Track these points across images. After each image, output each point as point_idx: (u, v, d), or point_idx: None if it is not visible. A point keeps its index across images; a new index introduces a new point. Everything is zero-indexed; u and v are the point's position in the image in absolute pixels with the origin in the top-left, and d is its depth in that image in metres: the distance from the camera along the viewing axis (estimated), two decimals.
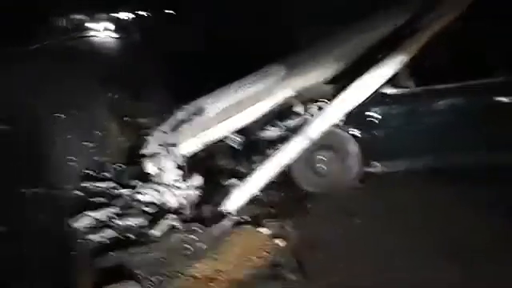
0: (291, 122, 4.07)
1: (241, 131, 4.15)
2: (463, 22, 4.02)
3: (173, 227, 3.40)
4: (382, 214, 3.61)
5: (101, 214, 3.64)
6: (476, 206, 3.60)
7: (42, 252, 3.19)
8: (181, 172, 3.82)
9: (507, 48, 4.01)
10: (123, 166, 4.77)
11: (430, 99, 4.12)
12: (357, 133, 4.05)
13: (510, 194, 3.71)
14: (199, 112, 4.03)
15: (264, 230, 3.32)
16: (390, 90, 4.04)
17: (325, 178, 4.09)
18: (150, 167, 3.82)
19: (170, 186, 3.77)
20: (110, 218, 3.59)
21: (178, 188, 3.76)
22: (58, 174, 4.67)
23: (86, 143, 5.64)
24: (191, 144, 3.94)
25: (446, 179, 4.00)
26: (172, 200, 3.73)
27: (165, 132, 3.92)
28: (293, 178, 4.07)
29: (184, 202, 3.67)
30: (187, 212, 3.59)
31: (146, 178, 3.91)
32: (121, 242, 3.31)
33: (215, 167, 4.56)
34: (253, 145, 4.13)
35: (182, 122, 3.99)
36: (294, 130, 3.95)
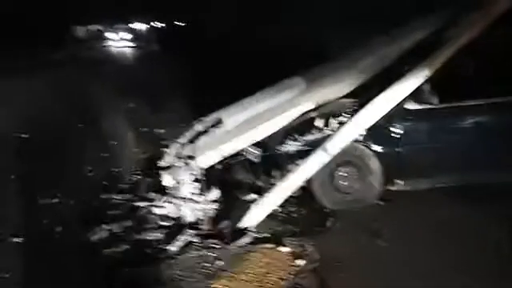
0: (311, 137, 3.98)
1: (260, 145, 4.07)
2: (489, 37, 3.90)
3: (190, 243, 3.32)
4: (405, 233, 3.49)
5: (116, 227, 3.59)
6: (498, 223, 3.48)
7: (58, 264, 3.16)
8: (198, 185, 3.74)
9: None
10: (140, 178, 4.75)
11: (454, 116, 4.00)
12: (379, 149, 3.94)
13: None
14: (218, 124, 3.97)
15: (284, 249, 3.21)
16: (413, 106, 3.93)
17: (346, 195, 3.98)
18: (167, 180, 3.75)
19: (188, 199, 3.70)
20: (126, 232, 3.54)
21: (196, 202, 3.68)
22: (75, 184, 4.68)
23: (103, 153, 5.66)
24: (209, 157, 3.87)
25: (470, 198, 3.87)
26: (189, 214, 3.66)
27: (183, 144, 3.85)
28: (313, 194, 3.96)
29: (201, 216, 3.57)
30: (205, 227, 3.50)
31: (162, 190, 3.84)
32: (136, 257, 3.25)
33: (233, 181, 4.49)
34: (272, 159, 4.05)
35: (201, 134, 3.93)
36: (314, 145, 3.85)
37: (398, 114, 3.89)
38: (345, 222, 3.74)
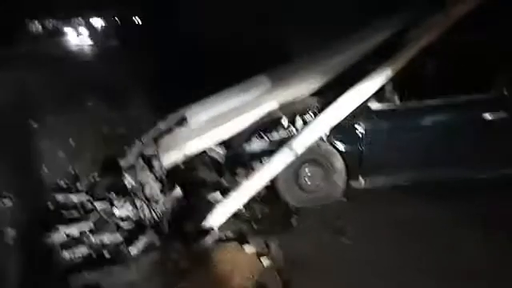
0: (276, 135, 3.95)
1: (225, 143, 4.01)
2: (450, 37, 4.01)
3: (151, 244, 3.21)
4: (369, 231, 3.53)
5: (73, 230, 3.44)
6: (461, 220, 3.58)
7: (13, 267, 2.99)
8: (160, 185, 3.63)
9: (495, 64, 4.02)
10: (99, 178, 4.57)
11: (415, 115, 4.08)
12: (343, 147, 3.97)
13: (494, 207, 3.73)
14: (182, 123, 3.87)
15: (248, 248, 3.17)
16: (375, 105, 3.98)
17: (310, 193, 3.98)
18: (127, 179, 3.62)
19: (149, 199, 3.58)
20: (84, 234, 3.40)
21: (157, 202, 3.57)
22: (29, 184, 4.45)
23: (60, 153, 5.43)
24: (172, 156, 3.77)
25: (431, 194, 3.99)
26: (151, 215, 3.54)
27: (145, 143, 3.73)
28: (278, 193, 3.94)
29: (164, 216, 3.47)
30: (166, 228, 3.39)
31: (122, 190, 3.70)
32: (95, 261, 3.12)
33: (197, 181, 4.40)
34: (237, 158, 3.99)
35: (164, 132, 3.81)
36: (279, 144, 3.83)
37: (361, 113, 3.92)
38: (309, 220, 3.74)
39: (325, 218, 3.75)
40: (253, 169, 3.82)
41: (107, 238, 3.34)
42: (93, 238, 3.34)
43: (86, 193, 4.15)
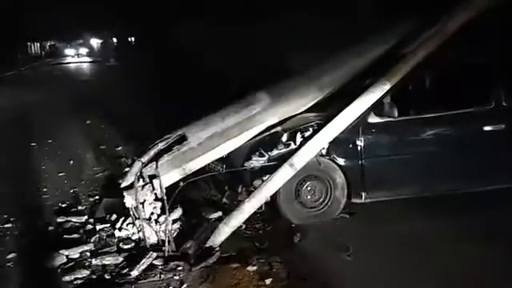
0: (276, 152, 3.94)
1: (225, 161, 4.00)
2: (448, 51, 4.04)
3: (153, 266, 3.18)
4: (370, 246, 3.48)
5: (74, 252, 3.41)
6: (463, 234, 3.55)
7: None
8: (161, 205, 3.61)
9: (494, 77, 4.04)
10: (98, 199, 4.56)
11: (414, 128, 4.09)
12: (342, 162, 3.96)
13: (495, 220, 3.70)
14: (181, 141, 3.86)
15: (250, 268, 3.14)
16: (374, 119, 3.98)
17: (311, 209, 3.96)
18: (128, 200, 3.59)
19: (149, 220, 3.56)
20: (85, 257, 3.36)
21: (158, 222, 3.54)
22: (30, 207, 4.45)
23: (60, 174, 5.43)
24: (172, 175, 3.75)
25: (432, 208, 3.97)
26: (151, 235, 3.52)
27: (144, 162, 3.71)
28: (279, 210, 3.92)
29: (164, 237, 3.44)
30: (168, 248, 3.36)
31: (123, 211, 3.67)
32: (95, 283, 3.08)
33: (198, 199, 4.39)
34: (237, 175, 3.97)
35: (163, 151, 3.80)
36: (280, 160, 3.82)
37: (360, 127, 3.92)
38: (310, 236, 3.70)
39: (326, 235, 3.72)
40: (253, 186, 3.80)
41: (108, 260, 3.30)
42: (93, 260, 3.31)
43: (87, 214, 4.14)
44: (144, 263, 3.16)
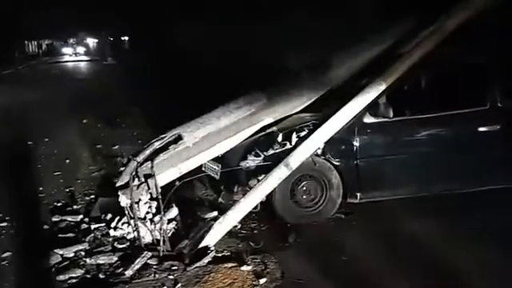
0: (272, 152, 3.94)
1: (220, 161, 3.99)
2: (444, 52, 4.05)
3: (147, 265, 3.17)
4: (366, 246, 3.49)
5: (69, 252, 3.40)
6: (459, 234, 3.57)
7: None
8: (156, 204, 3.60)
9: (489, 77, 4.05)
10: (94, 198, 4.55)
11: (410, 128, 4.10)
12: (338, 162, 3.96)
13: (491, 221, 3.70)
14: (177, 140, 3.86)
15: (245, 268, 3.14)
16: (370, 119, 3.99)
17: (307, 209, 3.96)
18: (123, 199, 3.59)
19: (145, 219, 3.55)
20: (79, 256, 3.36)
21: (153, 222, 3.54)
22: (26, 206, 4.44)
23: (56, 173, 5.42)
24: (168, 175, 3.74)
25: (427, 208, 3.98)
26: (146, 235, 3.51)
27: (140, 162, 3.71)
28: (274, 210, 3.92)
29: (159, 236, 3.44)
30: (163, 248, 3.36)
31: (118, 211, 3.67)
32: (90, 282, 3.07)
33: (193, 199, 4.39)
34: (233, 175, 3.97)
35: (159, 151, 3.80)
36: (275, 160, 3.82)
37: (355, 127, 3.93)
38: (306, 236, 3.71)
39: (321, 235, 3.73)
40: (249, 186, 3.80)
41: (103, 259, 3.29)
42: (88, 259, 3.30)
43: (82, 213, 4.14)
44: (138, 263, 3.16)
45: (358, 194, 4.01)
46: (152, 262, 3.20)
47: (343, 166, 3.96)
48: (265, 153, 3.93)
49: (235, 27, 11.63)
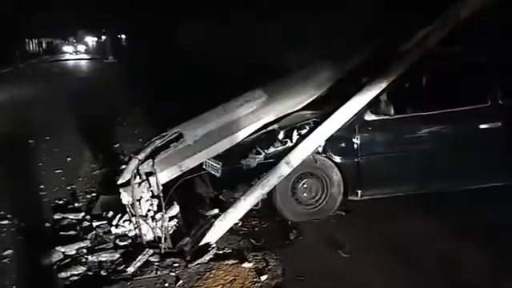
0: (273, 149, 3.94)
1: (221, 158, 4.00)
2: (445, 50, 4.05)
3: (149, 263, 3.19)
4: (366, 243, 3.49)
5: (71, 249, 3.41)
6: (460, 232, 3.56)
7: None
8: (157, 202, 3.61)
9: (490, 75, 4.05)
10: (95, 196, 4.57)
11: (410, 126, 4.09)
12: (339, 160, 3.97)
13: (493, 218, 3.71)
14: (178, 139, 3.86)
15: (247, 265, 3.15)
16: (371, 117, 3.99)
17: (308, 206, 3.97)
18: (124, 197, 3.60)
19: (146, 217, 3.56)
20: (81, 253, 3.37)
21: (155, 219, 3.55)
22: (27, 204, 4.46)
23: (57, 171, 5.43)
24: (169, 172, 3.76)
25: (428, 206, 3.98)
26: (148, 232, 3.52)
27: (141, 160, 3.72)
28: (275, 207, 3.93)
29: (161, 234, 3.45)
30: (164, 245, 3.37)
31: (120, 208, 3.68)
32: (92, 279, 3.09)
33: (194, 196, 4.40)
34: (234, 172, 3.98)
35: (160, 149, 3.80)
36: (276, 157, 3.82)
37: (356, 125, 3.93)
38: (307, 234, 3.71)
39: (322, 232, 3.74)
40: (250, 183, 3.81)
41: (105, 256, 3.31)
42: (90, 257, 3.32)
43: (84, 211, 4.15)
44: (140, 260, 3.17)
45: (359, 192, 4.01)
46: (153, 259, 3.22)
47: (344, 163, 3.96)
48: (266, 150, 3.93)
49: (235, 27, 11.65)
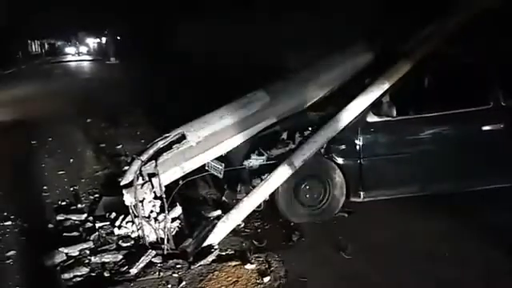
0: (275, 151, 3.94)
1: (224, 160, 4.00)
2: (447, 51, 4.05)
3: (151, 264, 3.19)
4: (369, 245, 3.50)
5: (74, 250, 3.42)
6: (462, 233, 3.57)
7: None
8: (160, 203, 3.62)
9: (492, 76, 4.04)
10: (98, 197, 4.57)
11: (413, 127, 4.09)
12: (341, 161, 3.97)
13: (495, 220, 3.71)
14: (181, 140, 3.87)
15: (249, 266, 3.15)
16: (373, 118, 3.99)
17: (310, 208, 3.97)
18: (127, 198, 3.61)
19: (149, 218, 3.57)
20: (84, 255, 3.38)
21: (157, 220, 3.56)
22: (30, 205, 4.47)
23: (60, 172, 5.44)
24: (172, 173, 3.76)
25: (431, 207, 3.98)
26: (151, 233, 3.53)
27: (144, 161, 3.72)
28: (278, 208, 3.93)
29: (163, 235, 3.46)
30: (167, 246, 3.38)
31: (122, 209, 3.69)
32: (95, 281, 3.09)
33: (197, 197, 4.41)
34: (236, 174, 3.98)
35: (163, 150, 3.81)
36: (278, 159, 3.83)
37: (359, 126, 3.93)
38: (309, 235, 3.71)
39: (325, 233, 3.74)
40: (252, 185, 3.81)
41: (108, 258, 3.31)
42: (93, 258, 3.32)
43: (86, 212, 4.15)
44: (143, 261, 3.18)
45: (362, 193, 4.01)
46: (156, 260, 3.23)
47: (346, 165, 3.96)
48: (268, 152, 3.93)
49: (235, 27, 11.65)
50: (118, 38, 30.97)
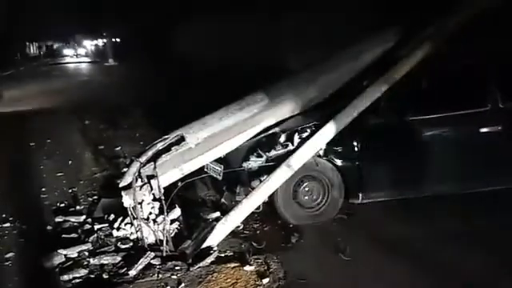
0: (274, 152, 3.95)
1: (223, 161, 4.01)
2: (446, 52, 4.06)
3: (150, 265, 3.19)
4: (367, 247, 3.50)
5: (73, 252, 3.42)
6: (460, 236, 3.56)
7: None
8: (159, 205, 3.62)
9: (490, 78, 4.06)
10: (97, 199, 4.57)
11: (412, 129, 4.10)
12: (340, 163, 3.97)
13: (494, 222, 3.71)
14: (179, 142, 3.87)
15: (248, 268, 3.15)
16: (372, 120, 4.00)
17: (309, 209, 3.97)
18: (126, 200, 3.61)
19: (148, 220, 3.57)
20: (83, 256, 3.38)
21: (156, 222, 3.55)
22: (29, 207, 4.46)
23: (58, 173, 5.44)
24: (171, 175, 3.76)
25: (429, 209, 3.99)
26: (149, 235, 3.53)
27: (143, 163, 3.72)
28: (276, 210, 3.93)
29: (162, 237, 3.46)
30: (166, 248, 3.38)
31: (121, 211, 3.68)
32: (93, 282, 3.09)
33: (196, 200, 4.41)
34: (235, 175, 3.99)
35: (162, 152, 3.81)
36: (277, 161, 3.83)
37: (357, 128, 3.94)
38: (308, 237, 3.72)
39: (323, 235, 3.74)
40: (251, 186, 3.81)
41: (106, 259, 3.31)
42: (91, 260, 3.32)
43: (85, 214, 4.15)
44: (142, 263, 3.17)
45: (360, 195, 4.01)
46: (155, 262, 3.22)
47: (345, 166, 3.97)
48: (267, 153, 3.94)
49: (235, 27, 11.66)
50: (116, 39, 30.99)
